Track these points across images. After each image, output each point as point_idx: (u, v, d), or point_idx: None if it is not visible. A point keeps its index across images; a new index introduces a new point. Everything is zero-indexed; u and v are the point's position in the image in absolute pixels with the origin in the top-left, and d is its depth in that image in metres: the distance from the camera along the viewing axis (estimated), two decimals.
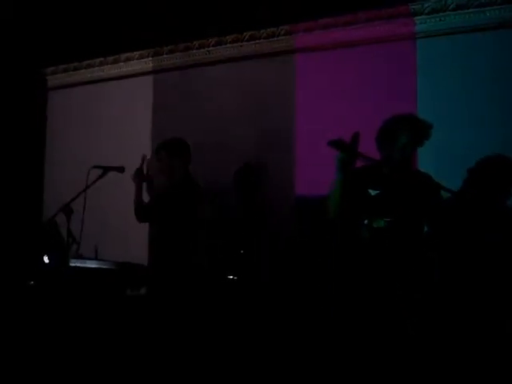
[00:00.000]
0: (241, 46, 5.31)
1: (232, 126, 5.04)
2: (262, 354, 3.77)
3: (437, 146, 3.37)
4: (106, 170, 3.79)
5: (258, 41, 5.25)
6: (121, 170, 3.92)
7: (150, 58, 5.71)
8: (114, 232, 5.30)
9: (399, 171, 2.94)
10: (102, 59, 5.90)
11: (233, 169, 4.79)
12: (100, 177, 3.77)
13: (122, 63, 5.84)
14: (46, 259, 4.31)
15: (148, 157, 3.99)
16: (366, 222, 2.92)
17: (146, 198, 4.10)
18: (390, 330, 2.79)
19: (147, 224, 4.41)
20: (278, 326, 3.89)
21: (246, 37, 5.29)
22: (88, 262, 4.19)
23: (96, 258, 4.24)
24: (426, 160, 3.61)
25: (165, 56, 5.64)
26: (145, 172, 3.94)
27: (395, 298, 2.83)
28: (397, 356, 2.75)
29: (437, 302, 2.95)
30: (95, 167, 3.79)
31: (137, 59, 5.76)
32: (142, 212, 3.89)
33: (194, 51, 5.54)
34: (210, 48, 5.44)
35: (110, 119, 5.83)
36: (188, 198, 3.69)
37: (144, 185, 4.00)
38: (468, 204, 3.16)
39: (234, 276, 3.97)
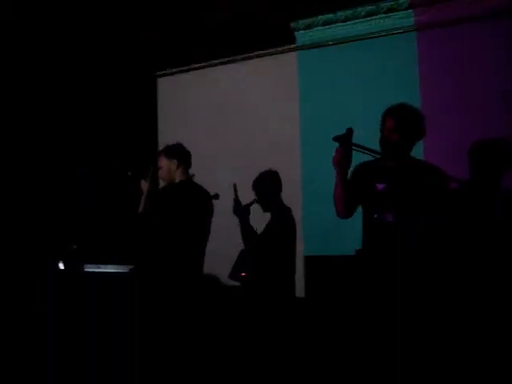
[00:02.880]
0: None
1: None
2: (269, 356, 3.81)
3: None
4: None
5: None
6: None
7: None
8: None
9: (400, 163, 2.96)
10: None
11: None
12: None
13: None
14: (60, 265, 4.38)
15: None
16: (375, 216, 2.95)
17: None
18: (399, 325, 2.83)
19: None
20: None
21: None
22: (102, 266, 4.24)
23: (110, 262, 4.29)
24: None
25: None
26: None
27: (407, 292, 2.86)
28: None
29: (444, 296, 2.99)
30: None
31: None
32: (145, 219, 3.90)
33: None
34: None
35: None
36: (187, 200, 3.72)
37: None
38: (473, 192, 3.19)
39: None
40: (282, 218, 3.90)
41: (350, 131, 2.86)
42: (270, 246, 3.82)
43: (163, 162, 3.84)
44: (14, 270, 4.71)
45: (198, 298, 3.65)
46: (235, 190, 3.94)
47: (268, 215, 3.95)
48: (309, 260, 4.61)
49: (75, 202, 5.47)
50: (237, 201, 3.94)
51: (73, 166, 5.60)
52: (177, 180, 3.82)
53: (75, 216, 5.41)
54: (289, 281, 3.86)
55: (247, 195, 3.96)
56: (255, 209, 3.96)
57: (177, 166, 3.81)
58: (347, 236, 3.45)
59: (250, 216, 3.93)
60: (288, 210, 3.94)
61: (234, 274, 4.03)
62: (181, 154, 3.84)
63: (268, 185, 3.96)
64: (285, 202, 3.99)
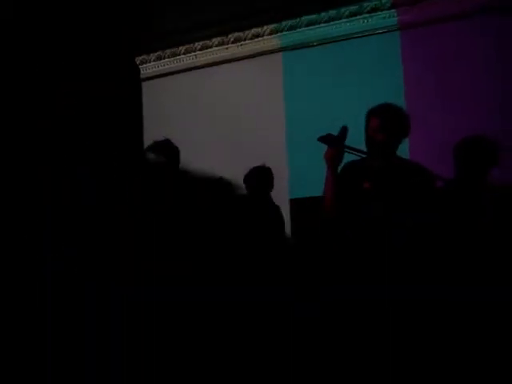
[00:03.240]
0: None
1: None
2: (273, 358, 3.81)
3: None
4: None
5: None
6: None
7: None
8: None
9: (385, 162, 2.96)
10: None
11: None
12: None
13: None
14: None
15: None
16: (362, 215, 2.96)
17: None
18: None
19: None
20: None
21: None
22: None
23: None
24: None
25: None
26: None
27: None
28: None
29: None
30: None
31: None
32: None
33: None
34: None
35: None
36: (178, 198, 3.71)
37: None
38: (459, 190, 3.21)
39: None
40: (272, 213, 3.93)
41: (344, 130, 2.85)
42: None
43: (153, 161, 3.81)
44: (13, 270, 4.68)
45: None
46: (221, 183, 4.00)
47: None
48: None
49: (75, 202, 5.43)
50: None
51: (73, 166, 5.56)
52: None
53: (75, 216, 5.37)
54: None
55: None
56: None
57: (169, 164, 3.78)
58: None
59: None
60: (277, 208, 3.97)
61: None
62: (169, 151, 3.81)
63: (259, 179, 4.00)
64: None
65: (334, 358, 3.21)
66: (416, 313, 2.85)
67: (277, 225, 3.98)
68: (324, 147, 2.88)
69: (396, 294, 2.81)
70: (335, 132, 2.87)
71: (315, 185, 3.08)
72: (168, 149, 3.82)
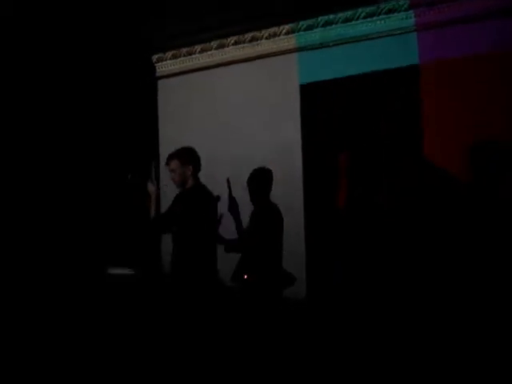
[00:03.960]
0: None
1: None
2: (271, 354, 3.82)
3: None
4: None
5: None
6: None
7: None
8: None
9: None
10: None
11: None
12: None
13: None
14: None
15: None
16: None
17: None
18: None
19: None
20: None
21: None
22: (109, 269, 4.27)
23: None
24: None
25: None
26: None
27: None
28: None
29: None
30: None
31: None
32: (159, 223, 3.92)
33: None
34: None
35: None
36: (201, 205, 3.76)
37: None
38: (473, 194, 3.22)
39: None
40: (268, 214, 4.02)
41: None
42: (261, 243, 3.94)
43: (176, 166, 3.85)
44: (17, 269, 4.73)
45: (210, 301, 3.67)
46: (229, 184, 4.04)
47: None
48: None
49: (81, 205, 5.47)
50: (231, 197, 4.01)
51: (77, 168, 5.60)
52: (189, 184, 3.84)
53: (81, 218, 5.41)
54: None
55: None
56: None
57: (192, 172, 3.84)
58: None
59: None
60: (274, 207, 4.01)
61: (236, 277, 4.05)
62: (196, 160, 3.89)
63: (258, 181, 4.09)
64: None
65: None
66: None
67: (275, 225, 4.05)
68: None
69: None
70: None
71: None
72: (195, 158, 3.89)
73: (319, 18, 5.13)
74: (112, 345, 4.20)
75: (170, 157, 3.91)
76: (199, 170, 3.91)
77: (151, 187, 3.86)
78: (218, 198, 3.92)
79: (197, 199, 3.78)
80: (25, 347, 4.15)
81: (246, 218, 4.12)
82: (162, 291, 4.04)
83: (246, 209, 4.12)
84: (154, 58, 6.01)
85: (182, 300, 3.67)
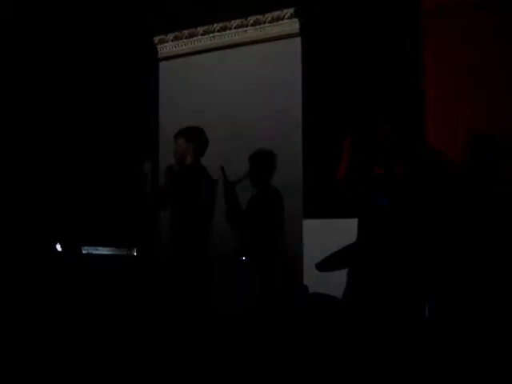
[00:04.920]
0: None
1: None
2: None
3: None
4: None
5: None
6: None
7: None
8: None
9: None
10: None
11: None
12: None
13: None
14: (58, 247, 4.36)
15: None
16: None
17: None
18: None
19: None
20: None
21: None
22: (101, 248, 4.23)
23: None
24: None
25: None
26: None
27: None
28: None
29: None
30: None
31: None
32: (157, 199, 3.91)
33: None
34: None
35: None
36: (195, 182, 3.73)
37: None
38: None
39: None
40: (269, 197, 4.03)
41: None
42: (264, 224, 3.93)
43: (180, 142, 3.84)
44: (13, 253, 4.71)
45: (204, 280, 3.65)
46: (223, 172, 4.02)
47: None
48: None
49: (75, 184, 5.46)
50: (226, 181, 4.02)
51: (77, 149, 5.59)
52: (188, 161, 3.81)
53: (74, 197, 5.39)
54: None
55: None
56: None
57: (192, 150, 3.81)
58: None
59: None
60: (275, 189, 4.05)
61: (235, 258, 4.05)
62: (199, 140, 3.86)
63: (264, 161, 4.08)
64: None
65: None
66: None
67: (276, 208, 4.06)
68: None
69: None
70: None
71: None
72: (197, 133, 3.86)
73: None
74: (105, 329, 4.18)
75: (178, 134, 3.90)
76: (202, 151, 3.88)
77: (147, 167, 3.84)
78: (215, 182, 3.89)
79: (192, 176, 3.75)
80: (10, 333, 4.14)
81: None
82: (155, 272, 4.02)
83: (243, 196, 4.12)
84: (156, 39, 5.97)
85: (174, 281, 3.66)
